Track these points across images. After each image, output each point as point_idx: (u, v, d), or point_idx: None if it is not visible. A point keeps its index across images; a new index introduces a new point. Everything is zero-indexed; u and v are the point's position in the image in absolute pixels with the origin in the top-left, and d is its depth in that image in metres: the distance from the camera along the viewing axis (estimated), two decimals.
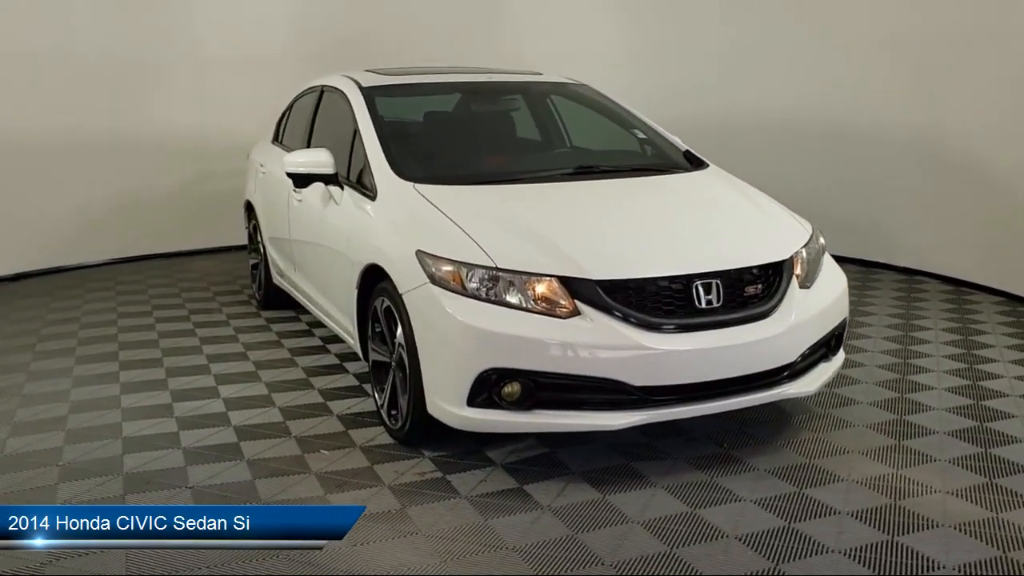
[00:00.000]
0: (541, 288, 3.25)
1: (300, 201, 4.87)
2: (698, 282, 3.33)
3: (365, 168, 4.18)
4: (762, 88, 7.54)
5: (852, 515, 3.13)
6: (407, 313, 3.48)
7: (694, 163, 4.45)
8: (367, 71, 5.22)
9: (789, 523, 3.08)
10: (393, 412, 3.79)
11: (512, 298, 3.25)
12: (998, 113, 5.99)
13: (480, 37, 8.48)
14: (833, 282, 3.75)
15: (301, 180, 4.40)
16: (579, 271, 3.27)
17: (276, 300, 6.04)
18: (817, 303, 3.59)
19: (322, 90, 5.23)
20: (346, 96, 4.70)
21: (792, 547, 2.92)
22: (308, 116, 5.31)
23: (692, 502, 3.22)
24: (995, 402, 4.21)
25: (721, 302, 3.34)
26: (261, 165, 5.90)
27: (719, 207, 3.92)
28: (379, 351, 3.89)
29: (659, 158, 4.48)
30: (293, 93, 5.94)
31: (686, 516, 3.13)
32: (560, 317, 3.21)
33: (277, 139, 6.03)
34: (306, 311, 5.83)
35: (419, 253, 3.45)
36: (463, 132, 4.84)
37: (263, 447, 3.76)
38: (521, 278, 3.26)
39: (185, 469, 3.56)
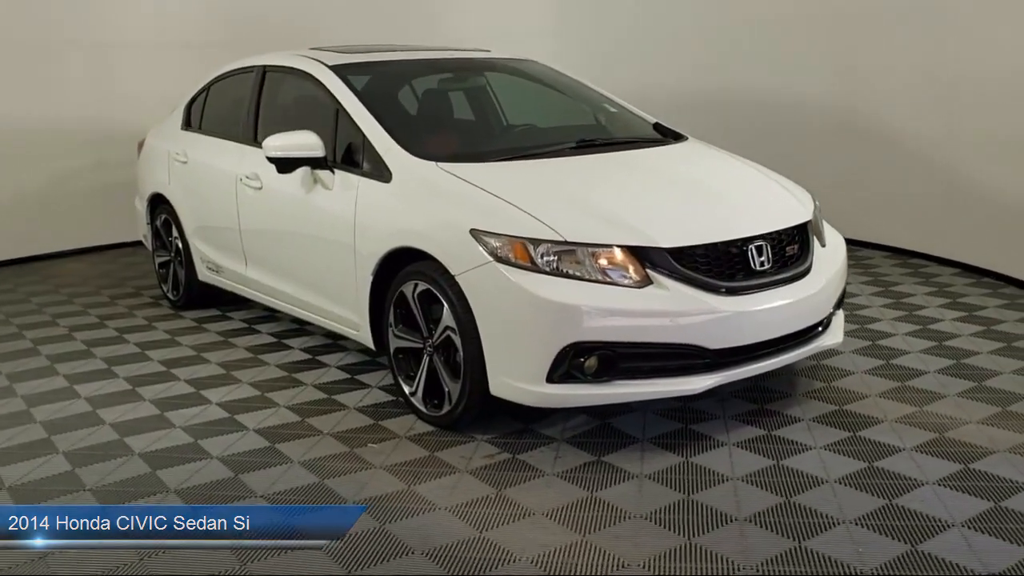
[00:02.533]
0: (611, 258, 3.26)
1: (259, 189, 4.58)
2: (751, 245, 3.45)
3: (363, 150, 4.00)
4: (671, 63, 7.73)
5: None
6: (462, 294, 3.38)
7: (668, 135, 4.57)
8: (313, 49, 4.97)
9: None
10: (434, 399, 3.67)
11: (582, 270, 3.24)
12: (913, 87, 6.31)
13: (388, 16, 8.25)
14: (836, 239, 4.00)
15: (285, 165, 4.13)
16: (648, 240, 3.31)
17: (200, 299, 5.66)
18: (834, 258, 3.82)
19: (263, 71, 4.92)
20: (313, 76, 4.46)
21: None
22: (246, 100, 4.97)
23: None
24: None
25: (771, 263, 3.49)
26: (177, 153, 5.47)
27: (734, 174, 4.07)
28: (407, 337, 3.76)
29: (645, 131, 4.56)
30: (171, 79, 5.55)
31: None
32: (634, 287, 3.23)
33: (189, 125, 5.60)
34: (237, 307, 5.52)
35: (475, 232, 3.36)
36: (453, 110, 4.72)
37: (304, 448, 3.54)
38: (590, 250, 3.26)
39: (239, 479, 3.29)
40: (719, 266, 3.38)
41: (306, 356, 4.70)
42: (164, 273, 5.89)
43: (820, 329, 3.71)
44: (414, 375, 3.78)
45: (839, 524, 2.86)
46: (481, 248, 3.32)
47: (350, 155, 4.10)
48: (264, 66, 4.93)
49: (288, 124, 4.60)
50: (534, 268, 3.25)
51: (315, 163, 4.09)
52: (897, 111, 6.42)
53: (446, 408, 3.59)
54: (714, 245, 3.39)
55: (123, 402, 4.10)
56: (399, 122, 4.16)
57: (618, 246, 3.28)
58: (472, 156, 3.86)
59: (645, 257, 3.28)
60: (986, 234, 5.88)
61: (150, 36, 7.74)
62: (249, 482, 3.26)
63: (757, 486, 3.13)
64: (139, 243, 6.59)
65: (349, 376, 4.37)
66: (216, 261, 5.21)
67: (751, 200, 3.82)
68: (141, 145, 6.17)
